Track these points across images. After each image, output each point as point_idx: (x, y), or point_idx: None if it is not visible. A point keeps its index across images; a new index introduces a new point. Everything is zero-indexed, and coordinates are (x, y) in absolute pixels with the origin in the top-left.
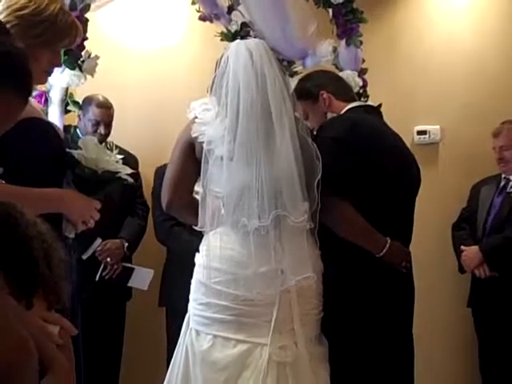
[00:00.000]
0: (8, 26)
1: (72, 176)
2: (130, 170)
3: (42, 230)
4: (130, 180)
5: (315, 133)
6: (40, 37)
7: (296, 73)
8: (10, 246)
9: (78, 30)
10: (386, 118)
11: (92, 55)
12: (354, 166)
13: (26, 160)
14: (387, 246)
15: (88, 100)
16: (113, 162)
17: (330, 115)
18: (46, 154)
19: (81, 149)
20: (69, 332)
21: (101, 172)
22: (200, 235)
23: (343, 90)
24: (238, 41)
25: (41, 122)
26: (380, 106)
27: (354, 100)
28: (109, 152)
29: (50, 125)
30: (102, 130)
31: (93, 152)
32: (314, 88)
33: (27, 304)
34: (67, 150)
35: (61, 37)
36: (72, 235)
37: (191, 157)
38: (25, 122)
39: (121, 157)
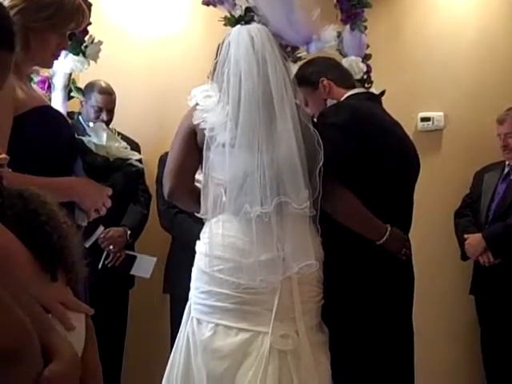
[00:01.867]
0: (15, 9)
1: (83, 163)
2: (139, 156)
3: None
4: (141, 165)
5: (315, 119)
6: (48, 20)
7: (300, 58)
8: (38, 220)
9: (84, 13)
10: (389, 105)
11: (95, 40)
12: (354, 153)
13: (38, 148)
14: (387, 233)
15: (90, 86)
16: (122, 148)
17: (329, 102)
18: (56, 142)
19: (90, 136)
20: (86, 313)
21: (112, 159)
22: (204, 222)
23: (343, 77)
24: (239, 26)
25: (51, 109)
26: (383, 92)
27: (354, 87)
28: (118, 138)
29: (60, 112)
30: (104, 116)
31: (103, 139)
32: (314, 75)
33: (52, 276)
34: (77, 136)
35: (68, 20)
36: (85, 223)
37: (193, 144)
38: (35, 110)
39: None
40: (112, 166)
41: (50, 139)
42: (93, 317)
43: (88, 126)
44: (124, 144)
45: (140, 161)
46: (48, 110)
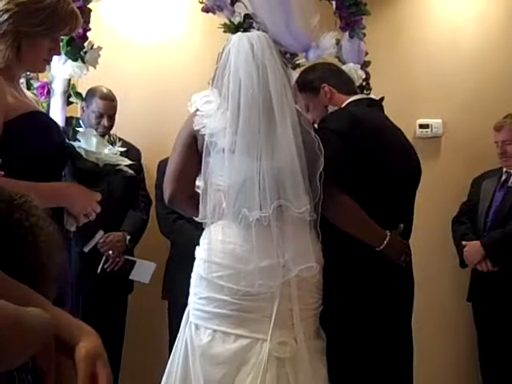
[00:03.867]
0: (8, 13)
1: (72, 168)
2: (128, 162)
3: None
4: (130, 171)
5: (316, 126)
6: (41, 25)
7: (299, 65)
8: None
9: (78, 19)
10: (388, 112)
11: (94, 46)
12: (355, 160)
13: (29, 153)
14: (387, 239)
15: (92, 92)
16: (112, 154)
17: (330, 108)
18: (47, 147)
19: (80, 141)
20: None
21: (102, 165)
22: (204, 228)
23: (345, 83)
24: (240, 33)
25: (41, 115)
26: (382, 99)
27: (355, 93)
28: (107, 144)
29: (50, 118)
30: (105, 122)
31: (92, 144)
32: (315, 81)
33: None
34: (67, 141)
35: (61, 25)
36: (73, 228)
37: (193, 150)
38: (26, 115)
39: (123, 149)
40: (101, 171)
41: (40, 145)
42: (91, 321)
43: None
44: (115, 150)
45: (135, 167)
46: (38, 116)
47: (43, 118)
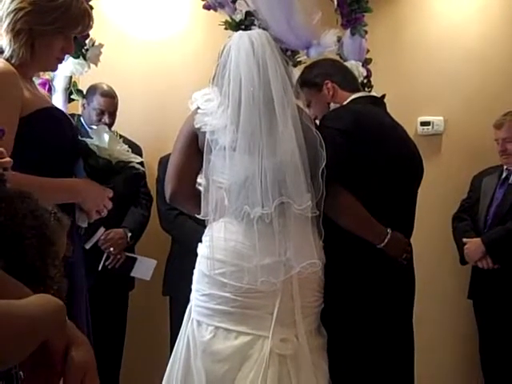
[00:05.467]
0: (22, 12)
1: (85, 165)
2: (140, 159)
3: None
4: (142, 169)
5: (318, 122)
6: (54, 24)
7: (300, 62)
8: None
9: (90, 17)
10: (389, 109)
11: (96, 44)
12: (357, 158)
13: (44, 148)
14: (388, 237)
15: (93, 89)
16: (124, 151)
17: (332, 105)
18: (61, 144)
19: (92, 138)
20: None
21: (115, 162)
22: (205, 224)
23: (348, 80)
24: (240, 32)
25: (55, 111)
26: (384, 96)
27: (358, 90)
28: (119, 141)
29: (64, 113)
30: (106, 119)
31: (105, 141)
32: (318, 77)
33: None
34: (80, 138)
35: (74, 24)
36: (85, 224)
37: (194, 147)
38: (41, 111)
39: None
40: (114, 168)
41: (54, 141)
42: (92, 318)
43: (90, 128)
44: (126, 147)
45: (142, 164)
46: (53, 112)
47: (57, 114)
